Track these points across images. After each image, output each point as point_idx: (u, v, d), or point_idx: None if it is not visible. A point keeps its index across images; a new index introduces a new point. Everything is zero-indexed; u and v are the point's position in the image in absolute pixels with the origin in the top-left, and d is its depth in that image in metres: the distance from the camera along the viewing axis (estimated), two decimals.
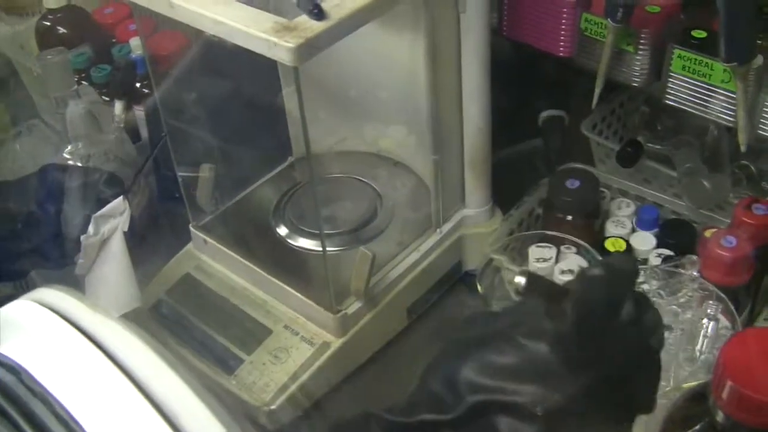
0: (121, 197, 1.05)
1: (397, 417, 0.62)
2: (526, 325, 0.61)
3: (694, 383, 0.81)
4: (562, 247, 1.08)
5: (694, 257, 0.93)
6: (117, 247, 1.06)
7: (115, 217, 1.05)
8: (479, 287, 1.02)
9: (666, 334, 0.84)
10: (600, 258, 1.04)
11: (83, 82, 1.38)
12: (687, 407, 0.75)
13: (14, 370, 0.51)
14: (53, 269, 1.11)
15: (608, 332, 0.61)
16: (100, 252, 1.06)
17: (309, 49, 0.83)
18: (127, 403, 0.49)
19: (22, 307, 0.56)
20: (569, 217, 1.12)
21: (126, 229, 1.06)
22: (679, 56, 1.02)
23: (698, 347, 0.86)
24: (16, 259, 1.08)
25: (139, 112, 1.34)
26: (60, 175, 1.07)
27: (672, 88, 1.05)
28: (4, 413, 0.49)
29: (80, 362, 0.51)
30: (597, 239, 1.12)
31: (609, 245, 1.10)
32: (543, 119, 1.35)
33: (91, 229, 1.03)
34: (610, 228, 1.14)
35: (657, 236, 1.12)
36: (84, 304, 0.56)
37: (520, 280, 0.61)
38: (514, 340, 0.60)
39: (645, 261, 1.10)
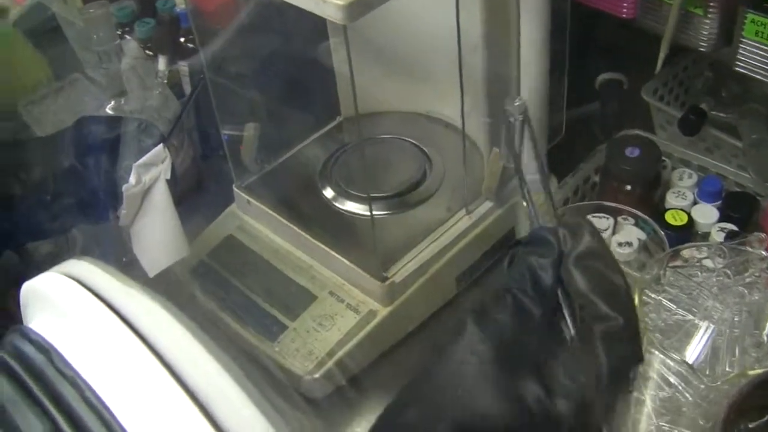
0: (161, 145, 1.01)
1: None
2: None
3: (760, 370, 0.77)
4: (620, 218, 1.04)
5: (763, 235, 0.88)
6: (160, 195, 1.02)
7: (156, 165, 1.01)
8: None
9: (731, 316, 0.81)
10: (658, 228, 1.00)
11: (127, 36, 1.35)
12: (753, 396, 0.71)
13: (44, 349, 0.48)
14: (94, 224, 1.08)
15: None
16: (143, 202, 1.02)
17: (360, 6, 0.79)
18: (159, 387, 0.46)
19: (51, 280, 0.53)
20: (628, 187, 1.08)
21: (168, 177, 1.02)
22: (753, 21, 0.97)
23: (766, 332, 0.81)
24: (56, 215, 1.05)
25: (183, 67, 1.31)
26: (97, 126, 1.04)
27: (743, 55, 0.99)
28: (32, 396, 0.46)
29: (111, 342, 0.48)
30: (656, 210, 1.08)
31: (669, 218, 1.05)
32: (600, 82, 1.30)
33: (132, 178, 0.99)
34: (671, 199, 1.09)
35: (720, 209, 1.07)
36: (115, 277, 0.53)
37: None
38: None
39: (707, 235, 1.05)
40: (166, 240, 1.03)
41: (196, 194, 1.24)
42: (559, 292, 0.65)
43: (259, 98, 1.15)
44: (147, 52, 1.33)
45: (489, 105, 1.04)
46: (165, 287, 1.09)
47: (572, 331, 0.64)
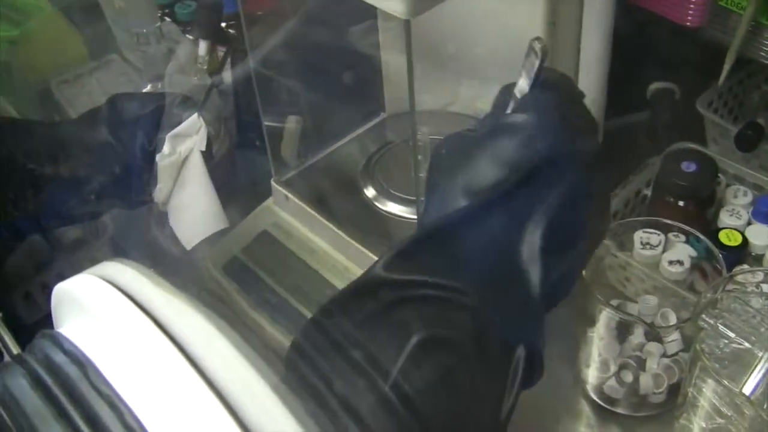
0: (195, 114, 0.99)
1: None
2: None
3: None
4: (670, 235, 1.00)
5: None
6: (196, 167, 1.00)
7: (191, 136, 0.99)
8: (584, 272, 0.94)
9: None
10: (713, 248, 0.95)
11: (166, 18, 1.31)
12: None
13: (79, 361, 0.44)
14: (128, 208, 1.05)
15: None
16: (179, 176, 1.00)
17: (423, 2, 0.75)
18: (200, 406, 0.42)
19: (86, 283, 0.49)
20: (681, 203, 1.03)
21: (203, 149, 1.01)
22: None
23: None
24: (88, 199, 1.02)
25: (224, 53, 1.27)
26: (130, 103, 1.00)
27: None
28: (66, 416, 0.42)
29: (150, 355, 0.44)
30: (709, 229, 1.03)
31: (724, 237, 1.01)
32: (652, 91, 1.26)
33: (166, 148, 0.97)
34: (725, 218, 1.05)
35: None
36: (153, 282, 0.49)
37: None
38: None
39: (760, 257, 1.01)
40: (204, 211, 1.01)
41: (231, 185, 1.20)
42: None
43: (303, 90, 1.12)
44: (187, 36, 1.29)
45: None
46: (197, 283, 1.07)
47: None
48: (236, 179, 1.22)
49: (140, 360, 0.44)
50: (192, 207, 1.00)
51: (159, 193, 0.99)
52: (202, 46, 1.22)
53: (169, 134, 0.97)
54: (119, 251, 1.14)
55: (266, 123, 1.08)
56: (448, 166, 0.65)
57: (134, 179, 1.01)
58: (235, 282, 1.05)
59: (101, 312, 0.47)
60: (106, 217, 1.11)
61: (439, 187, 0.65)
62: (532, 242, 0.60)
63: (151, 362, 0.44)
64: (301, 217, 1.07)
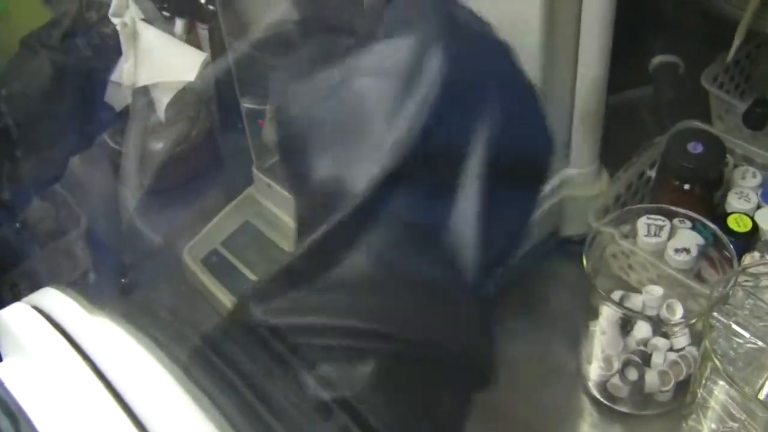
0: None
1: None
2: None
3: None
4: (675, 221, 0.94)
5: None
6: (144, 28, 1.03)
7: (125, 12, 1.03)
8: (585, 263, 0.88)
9: None
10: (722, 235, 0.90)
11: None
12: None
13: (12, 414, 0.40)
14: (89, 139, 1.07)
15: None
16: (137, 48, 1.03)
17: None
18: None
19: (22, 315, 0.45)
20: (686, 186, 0.98)
21: (142, 17, 1.04)
22: None
23: None
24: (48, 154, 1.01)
25: (203, 31, 1.21)
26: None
27: None
28: None
29: (82, 400, 0.41)
30: (716, 213, 0.98)
31: (733, 223, 0.95)
32: (654, 65, 1.20)
33: (118, 26, 1.01)
34: (733, 201, 0.99)
35: None
36: (90, 315, 0.45)
37: None
38: None
39: None
40: (176, 55, 1.03)
41: (212, 172, 1.15)
42: None
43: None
44: (163, 13, 1.23)
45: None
46: (175, 277, 1.02)
47: None
48: (217, 165, 1.17)
49: (73, 408, 0.40)
50: (162, 53, 1.02)
51: (127, 75, 1.02)
52: (179, 25, 1.16)
53: (109, 14, 1.01)
54: (95, 243, 1.10)
55: (246, 105, 1.03)
56: (303, 135, 0.51)
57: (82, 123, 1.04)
58: (215, 276, 1.01)
59: (35, 350, 0.43)
60: (80, 209, 1.07)
61: (297, 169, 0.51)
62: (461, 222, 0.47)
63: (84, 410, 0.40)
64: (286, 207, 1.02)
